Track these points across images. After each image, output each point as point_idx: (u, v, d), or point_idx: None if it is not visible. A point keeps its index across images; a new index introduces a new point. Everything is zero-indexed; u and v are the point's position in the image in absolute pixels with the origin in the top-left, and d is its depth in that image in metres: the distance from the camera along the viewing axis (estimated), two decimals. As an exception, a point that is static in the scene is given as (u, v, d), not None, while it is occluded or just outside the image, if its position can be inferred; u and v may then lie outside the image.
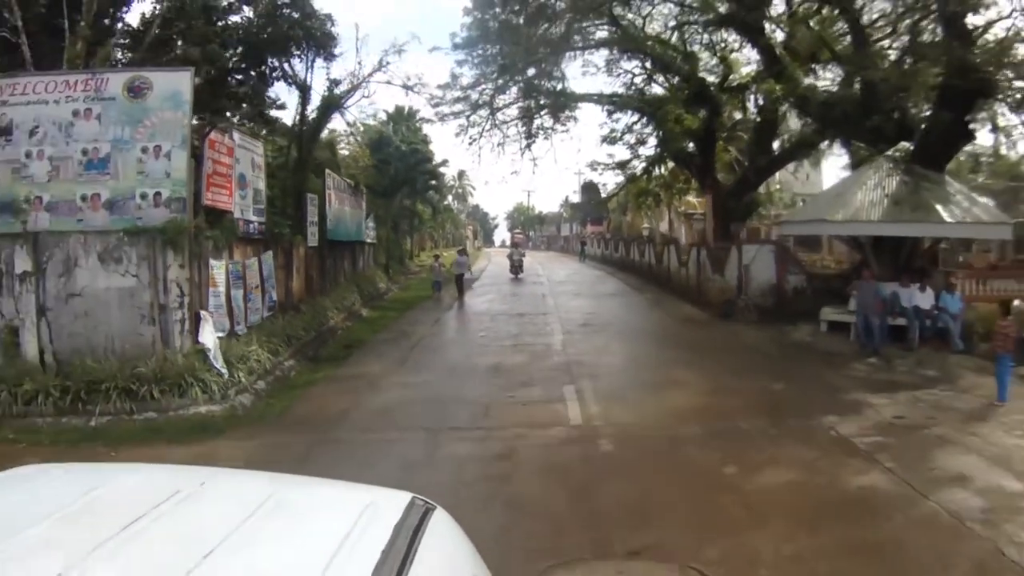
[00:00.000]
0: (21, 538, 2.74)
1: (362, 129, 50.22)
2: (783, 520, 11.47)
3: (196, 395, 18.92)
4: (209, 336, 20.47)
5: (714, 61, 43.46)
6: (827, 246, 46.25)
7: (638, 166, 50.98)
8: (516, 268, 59.68)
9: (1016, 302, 23.62)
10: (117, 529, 2.80)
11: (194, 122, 22.05)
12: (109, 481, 3.58)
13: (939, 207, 25.99)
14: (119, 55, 26.92)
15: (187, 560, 2.61)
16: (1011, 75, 26.60)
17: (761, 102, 39.40)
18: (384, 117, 60.09)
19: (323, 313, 31.78)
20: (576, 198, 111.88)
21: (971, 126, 29.28)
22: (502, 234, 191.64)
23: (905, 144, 31.46)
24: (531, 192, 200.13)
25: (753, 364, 23.42)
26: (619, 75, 45.30)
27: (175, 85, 21.25)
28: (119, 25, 26.93)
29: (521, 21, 37.79)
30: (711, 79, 42.48)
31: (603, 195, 76.07)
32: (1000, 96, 27.60)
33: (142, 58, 25.48)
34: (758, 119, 41.12)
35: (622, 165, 50.25)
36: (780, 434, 15.99)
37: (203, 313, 20.75)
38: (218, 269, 22.44)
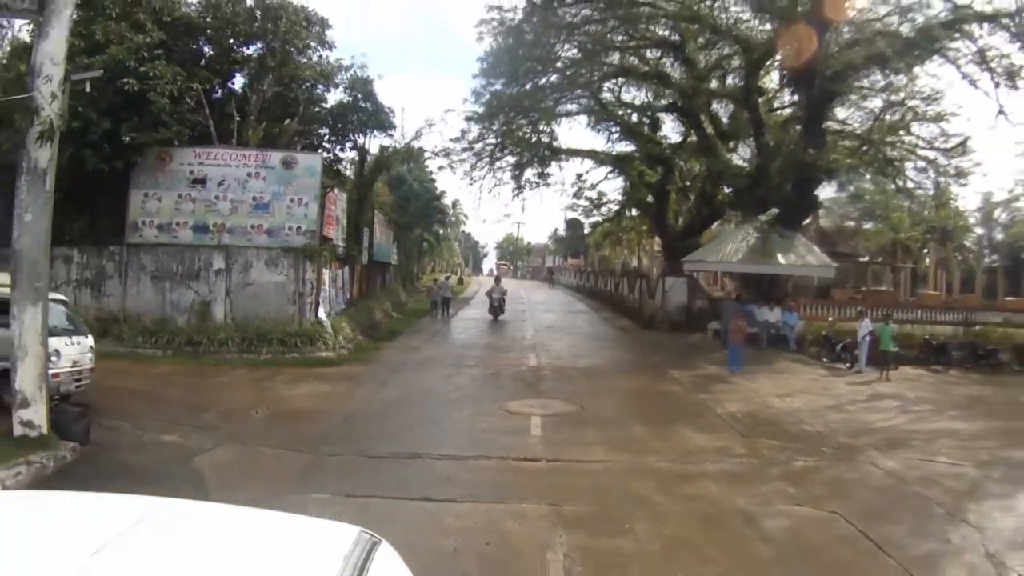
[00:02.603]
0: None
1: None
2: (626, 396, 26.35)
3: (319, 345, 33.18)
4: (323, 313, 35.04)
5: (672, 132, 56.84)
6: (722, 279, 59.62)
7: (610, 210, 64.62)
8: (496, 309, 52.21)
9: (830, 318, 38.75)
10: (75, 558, 2.92)
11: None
12: (61, 509, 3.80)
13: (779, 254, 40.54)
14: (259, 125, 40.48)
15: None
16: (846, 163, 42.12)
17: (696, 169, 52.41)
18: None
19: (371, 311, 46.67)
20: (563, 232, 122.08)
21: (819, 199, 44.70)
22: (492, 262, 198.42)
23: (775, 210, 44.48)
24: (521, 224, 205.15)
25: (648, 350, 38.23)
26: (599, 131, 58.35)
27: (311, 162, 36.29)
28: (255, 102, 40.16)
29: (524, 88, 49.86)
30: (666, 144, 55.33)
31: (585, 231, 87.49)
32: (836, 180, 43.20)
33: (266, 128, 39.39)
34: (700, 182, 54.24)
35: (594, 207, 63.41)
36: (644, 373, 30.92)
37: (320, 299, 35.20)
38: (327, 275, 37.09)
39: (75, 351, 20.20)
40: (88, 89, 21.83)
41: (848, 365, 33.00)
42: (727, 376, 30.26)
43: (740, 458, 18.10)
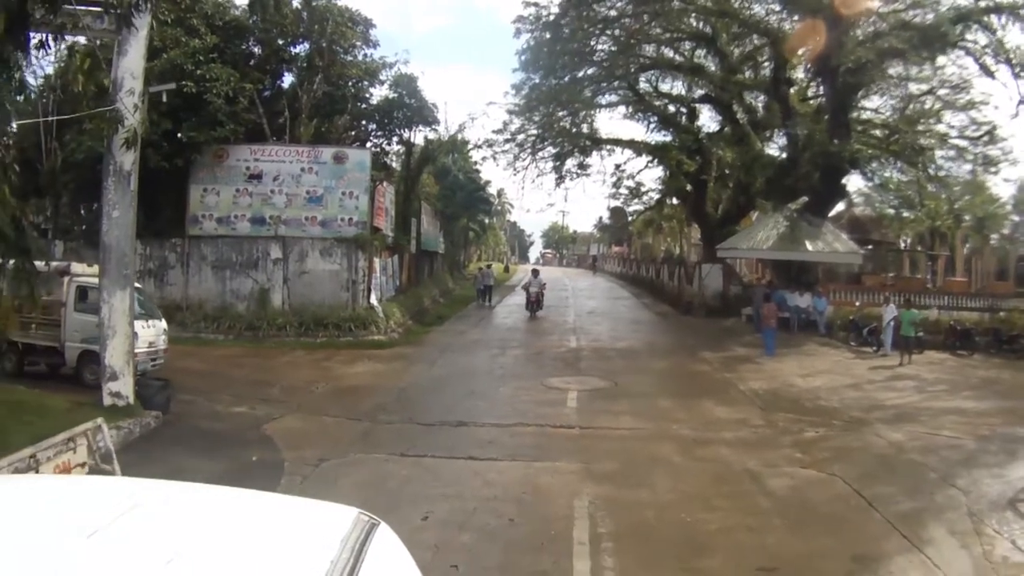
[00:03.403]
0: None
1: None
2: (658, 374, 27.75)
3: (372, 329, 34.98)
4: (374, 299, 36.82)
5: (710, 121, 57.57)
6: (761, 266, 59.45)
7: (651, 199, 64.57)
8: (533, 304, 46.44)
9: (857, 303, 39.96)
10: (70, 542, 2.83)
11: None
12: (56, 494, 3.67)
13: (807, 242, 41.60)
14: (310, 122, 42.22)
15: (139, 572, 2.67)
16: (869, 153, 43.33)
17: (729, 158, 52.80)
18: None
19: (420, 297, 48.48)
20: (607, 220, 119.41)
21: (846, 187, 46.09)
22: (538, 251, 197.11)
23: (804, 199, 45.45)
24: (566, 213, 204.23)
25: (683, 333, 39.56)
26: (638, 121, 59.07)
27: (361, 157, 38.22)
28: (306, 101, 41.90)
29: (562, 81, 50.98)
30: (703, 134, 55.53)
31: (628, 220, 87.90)
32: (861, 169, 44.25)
33: (316, 125, 41.27)
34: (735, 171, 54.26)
35: (633, 196, 63.95)
36: (676, 355, 32.30)
37: (372, 286, 36.99)
38: (378, 263, 38.86)
39: (151, 333, 22.31)
40: (165, 99, 23.87)
41: (874, 349, 33.64)
42: (755, 357, 31.41)
43: (756, 428, 19.61)
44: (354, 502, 9.85)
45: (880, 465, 16.34)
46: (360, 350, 31.67)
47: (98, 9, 18.44)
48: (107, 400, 17.70)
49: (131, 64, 18.78)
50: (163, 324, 24.38)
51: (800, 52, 42.48)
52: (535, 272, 49.78)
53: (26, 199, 16.99)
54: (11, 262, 15.77)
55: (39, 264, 17.92)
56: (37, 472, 10.23)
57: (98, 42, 19.06)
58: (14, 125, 21.01)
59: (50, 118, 19.09)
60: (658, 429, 19.22)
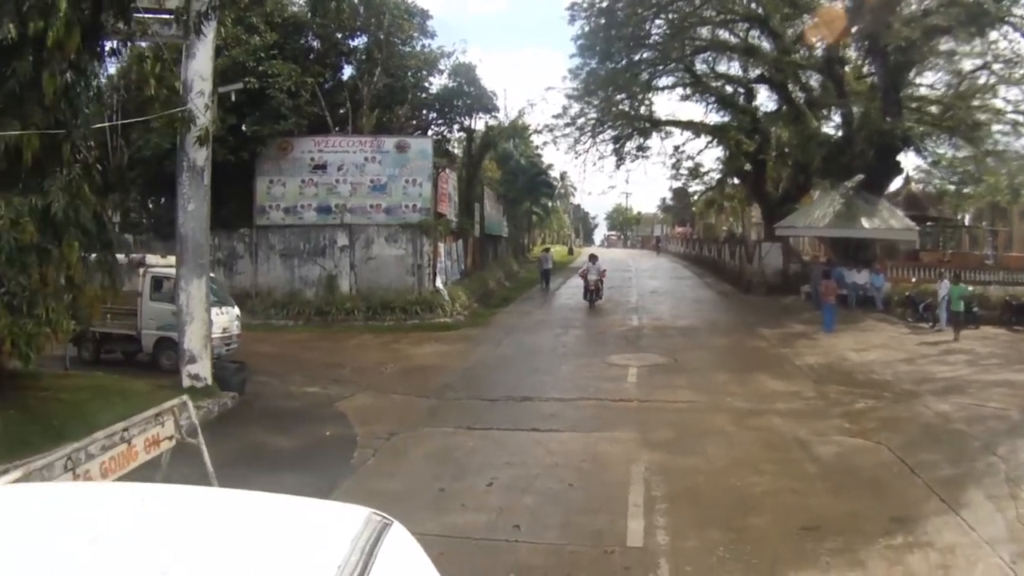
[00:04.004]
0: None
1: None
2: (716, 351, 28.29)
3: (438, 312, 35.83)
4: (440, 283, 37.72)
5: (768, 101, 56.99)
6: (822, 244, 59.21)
7: (712, 179, 65.33)
8: (592, 294, 41.99)
9: (912, 280, 39.95)
10: (75, 548, 2.80)
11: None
12: (60, 500, 3.60)
13: (863, 219, 41.84)
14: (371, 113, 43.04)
15: None
16: (920, 131, 43.31)
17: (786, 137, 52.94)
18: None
19: (485, 281, 49.46)
20: (670, 201, 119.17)
21: (900, 165, 45.98)
22: (603, 233, 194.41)
23: (859, 176, 44.98)
24: (629, 194, 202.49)
25: (743, 311, 39.93)
26: (697, 102, 58.54)
27: (423, 146, 39.17)
28: (366, 93, 42.68)
29: (618, 66, 51.46)
30: (761, 114, 55.19)
31: (691, 200, 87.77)
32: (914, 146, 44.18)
33: (378, 116, 42.19)
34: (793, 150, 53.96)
35: (693, 177, 64.26)
36: (735, 332, 32.77)
37: (437, 270, 37.85)
38: (442, 247, 39.72)
39: (225, 319, 23.37)
40: (233, 99, 25.00)
41: (930, 324, 33.58)
42: (812, 334, 31.66)
43: (807, 400, 20.17)
44: (423, 472, 10.88)
45: (925, 434, 16.78)
46: (427, 332, 32.56)
47: (166, 16, 19.49)
48: (186, 382, 18.68)
49: (200, 66, 19.95)
50: (236, 311, 25.56)
51: (852, 31, 42.35)
52: (593, 258, 44.17)
53: (103, 195, 17.88)
54: (93, 255, 16.74)
55: (119, 257, 18.90)
56: (130, 444, 11.21)
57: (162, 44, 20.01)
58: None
59: (125, 120, 20.06)
60: (713, 401, 19.85)
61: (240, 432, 16.88)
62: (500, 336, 32.13)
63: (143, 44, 20.04)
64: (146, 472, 12.04)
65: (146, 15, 18.95)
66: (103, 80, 17.25)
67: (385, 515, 3.32)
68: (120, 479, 10.85)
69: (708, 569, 10.05)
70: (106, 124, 18.10)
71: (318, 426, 17.80)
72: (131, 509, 3.25)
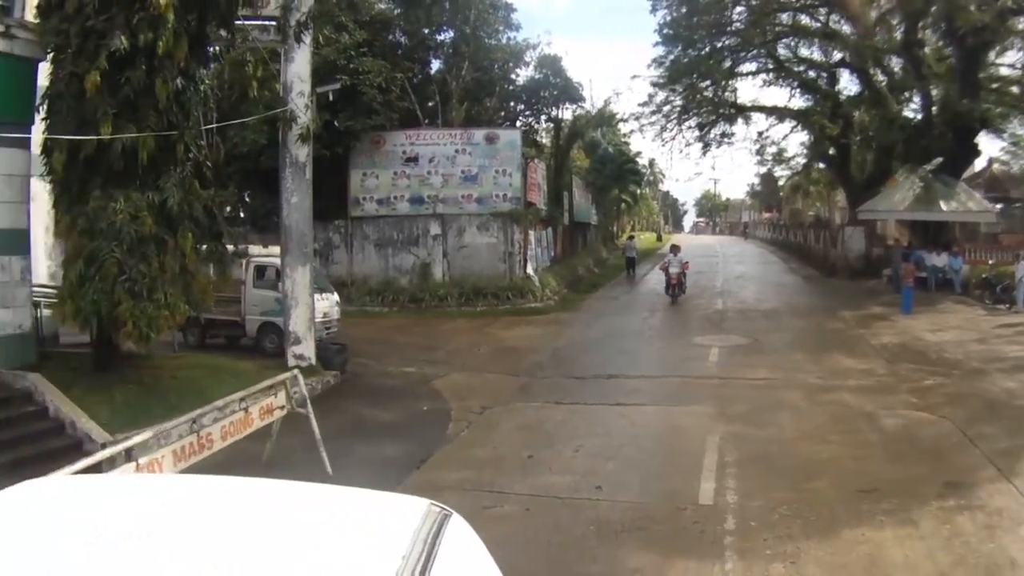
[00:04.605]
0: (54, 554, 2.76)
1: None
2: (795, 332, 28.99)
3: (528, 297, 36.91)
4: (531, 269, 38.81)
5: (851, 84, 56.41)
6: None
7: (798, 164, 65.13)
8: (674, 288, 37.80)
9: (990, 262, 39.92)
10: (143, 537, 2.84)
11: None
12: (126, 492, 3.65)
13: (941, 201, 41.67)
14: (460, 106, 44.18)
15: (206, 569, 2.66)
16: (999, 112, 43.30)
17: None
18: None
19: (574, 267, 50.38)
20: (758, 187, 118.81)
21: (978, 147, 45.88)
22: (692, 219, 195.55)
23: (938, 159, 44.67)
24: (716, 180, 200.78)
25: (825, 295, 40.14)
26: (781, 87, 58.04)
27: (512, 137, 40.32)
28: (455, 87, 43.84)
29: (701, 53, 52.09)
30: (844, 98, 54.61)
31: (777, 185, 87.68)
32: (992, 128, 44.13)
33: (467, 109, 43.33)
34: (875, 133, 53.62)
35: (777, 162, 64.44)
36: (815, 314, 33.21)
37: (528, 257, 38.89)
38: (532, 235, 40.74)
39: (325, 305, 24.68)
40: (332, 98, 26.36)
41: (1007, 306, 33.23)
42: (890, 316, 31.81)
43: (878, 377, 20.72)
44: (514, 441, 12.13)
45: (988, 409, 17.13)
46: (518, 316, 33.73)
47: (264, 22, 21.13)
48: (291, 362, 19.90)
49: (298, 69, 21.56)
50: (335, 297, 26.94)
51: (929, 12, 42.16)
52: (674, 248, 40.70)
53: (213, 190, 19.26)
54: (204, 246, 18.08)
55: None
56: (247, 412, 12.56)
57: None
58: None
59: (232, 122, 21.33)
60: (788, 378, 20.59)
61: (343, 406, 18.12)
62: (589, 319, 33.20)
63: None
64: (258, 440, 13.32)
65: (246, 22, 20.39)
66: (208, 84, 18.46)
67: (444, 506, 3.42)
68: (236, 443, 12.35)
69: (770, 525, 10.89)
70: (214, 125, 19.32)
71: (415, 402, 19.08)
72: (189, 499, 3.39)
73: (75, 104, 15.73)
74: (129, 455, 10.23)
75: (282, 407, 13.45)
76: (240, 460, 12.71)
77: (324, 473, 13.21)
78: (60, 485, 3.75)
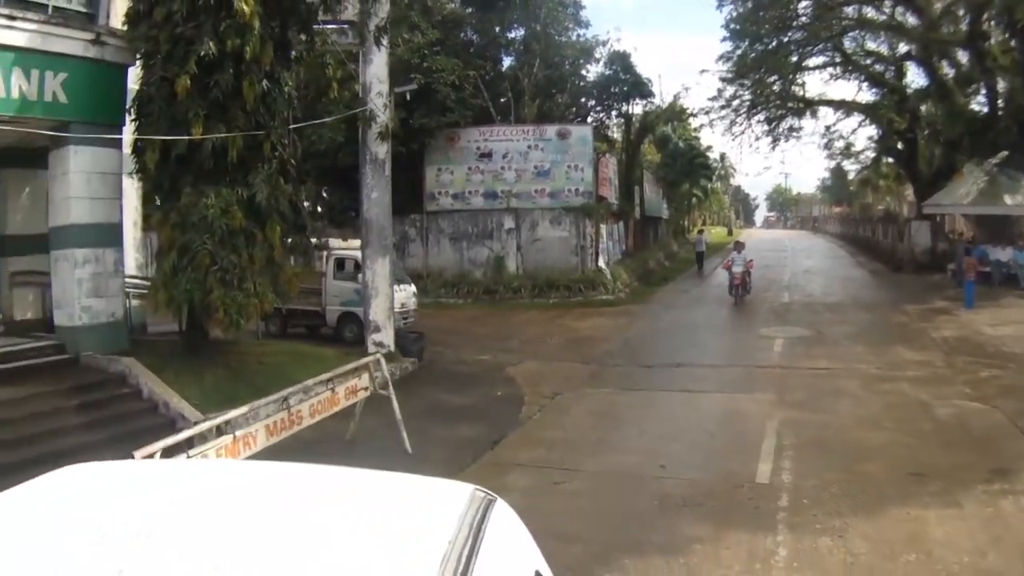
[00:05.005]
0: (122, 534, 2.76)
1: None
2: (857, 325, 29.35)
3: (600, 290, 37.68)
4: (602, 262, 39.55)
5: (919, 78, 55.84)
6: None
7: (867, 158, 65.76)
8: (738, 288, 35.25)
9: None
10: (201, 524, 2.88)
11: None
12: (166, 477, 3.69)
13: (1006, 196, 41.37)
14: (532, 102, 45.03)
15: (252, 552, 2.67)
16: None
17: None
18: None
19: (645, 260, 51.07)
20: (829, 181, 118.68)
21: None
22: (763, 214, 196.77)
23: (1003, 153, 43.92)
24: (787, 175, 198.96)
25: (890, 289, 40.20)
26: (848, 80, 59.42)
27: (583, 133, 41.05)
28: (527, 84, 44.73)
29: (768, 48, 52.08)
30: (911, 92, 54.24)
31: (846, 179, 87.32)
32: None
33: (539, 105, 44.19)
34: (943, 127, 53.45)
35: (844, 156, 64.52)
36: (879, 308, 33.48)
37: (599, 250, 39.61)
38: (604, 229, 41.42)
39: (402, 295, 25.69)
40: (408, 97, 27.45)
41: None
42: (953, 310, 31.77)
43: (936, 369, 20.98)
44: (584, 423, 13.19)
45: None
46: (589, 308, 34.44)
47: (342, 26, 22.40)
48: (371, 348, 20.76)
49: (377, 71, 22.56)
50: (412, 288, 28.02)
51: (992, 5, 41.71)
52: (738, 245, 38.47)
53: (297, 186, 20.37)
54: (290, 239, 19.08)
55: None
56: (333, 391, 13.50)
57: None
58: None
59: (314, 122, 22.44)
60: (848, 369, 21.08)
61: (421, 391, 18.94)
62: (659, 311, 33.83)
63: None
64: (342, 420, 14.25)
65: (325, 26, 21.50)
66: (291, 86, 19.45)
67: (488, 491, 3.41)
68: (321, 423, 13.27)
69: (821, 502, 11.48)
70: (300, 125, 20.35)
71: (489, 387, 19.92)
72: (241, 485, 3.45)
73: (166, 106, 16.74)
74: (225, 429, 11.20)
75: (365, 388, 14.35)
76: (325, 438, 13.83)
77: (403, 451, 14.11)
78: (104, 469, 3.68)
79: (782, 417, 16.22)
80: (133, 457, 9.12)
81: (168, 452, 9.85)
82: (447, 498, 3.26)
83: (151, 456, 9.46)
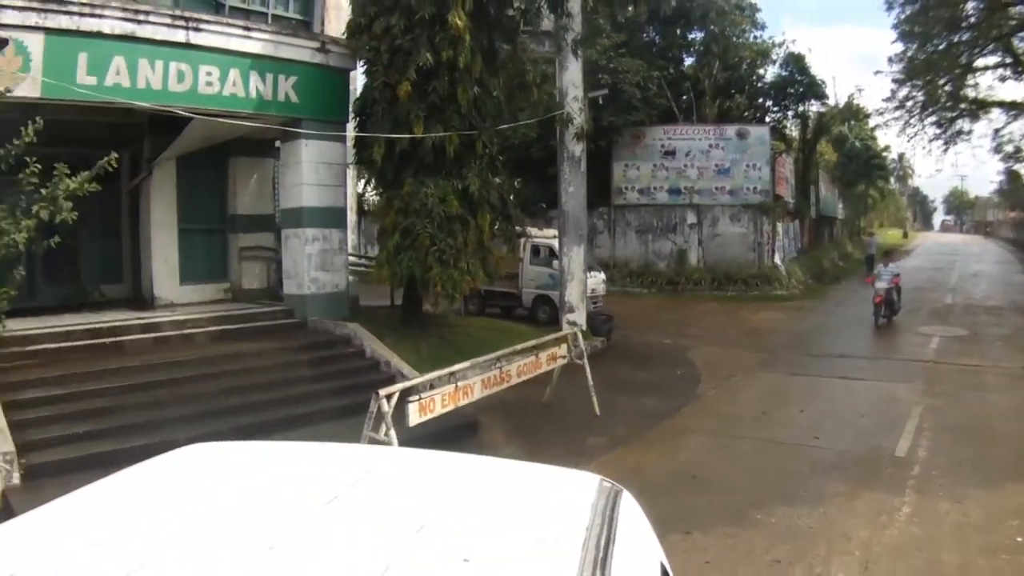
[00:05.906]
0: (225, 514, 2.82)
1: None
2: (1012, 328, 30.40)
3: (775, 285, 39.12)
4: (778, 259, 41.08)
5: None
6: None
7: None
8: (879, 308, 29.42)
9: None
10: (321, 504, 2.86)
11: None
12: (299, 459, 3.70)
13: None
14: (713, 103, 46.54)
15: (399, 535, 2.64)
16: None
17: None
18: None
19: (819, 259, 52.00)
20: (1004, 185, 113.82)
21: None
22: (940, 217, 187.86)
23: None
24: (964, 177, 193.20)
25: (1052, 294, 40.40)
26: (1019, 80, 58.38)
27: (761, 133, 42.49)
28: (708, 84, 46.31)
29: (938, 49, 50.65)
30: None
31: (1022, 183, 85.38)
32: None
33: (719, 105, 45.80)
34: None
35: (1015, 160, 63.28)
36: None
37: (775, 247, 41.09)
38: (780, 227, 42.89)
39: (593, 281, 27.80)
40: (601, 102, 29.72)
41: None
42: None
43: None
44: (752, 401, 16.24)
45: None
46: (764, 302, 36.03)
47: (538, 35, 25.37)
48: (565, 327, 22.38)
49: (572, 77, 24.89)
50: (602, 275, 30.16)
51: None
52: (887, 257, 35.45)
53: (504, 179, 22.89)
54: (497, 226, 21.52)
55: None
56: (537, 356, 15.74)
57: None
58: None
59: (520, 123, 24.55)
60: (997, 366, 22.07)
61: (608, 367, 20.82)
62: (829, 308, 35.16)
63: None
64: (538, 387, 16.52)
65: (523, 36, 24.07)
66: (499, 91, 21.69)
67: (614, 482, 3.38)
68: (520, 388, 15.50)
69: (948, 474, 12.94)
70: (507, 126, 22.62)
71: (670, 367, 22.02)
72: (363, 470, 3.38)
73: (388, 108, 19.29)
74: (449, 380, 13.16)
75: (564, 357, 16.55)
76: (523, 402, 16.33)
77: (592, 414, 16.42)
78: (234, 449, 3.84)
79: (927, 404, 17.66)
80: (378, 396, 11.04)
81: (405, 393, 11.82)
82: (577, 487, 3.31)
83: (391, 396, 11.28)
